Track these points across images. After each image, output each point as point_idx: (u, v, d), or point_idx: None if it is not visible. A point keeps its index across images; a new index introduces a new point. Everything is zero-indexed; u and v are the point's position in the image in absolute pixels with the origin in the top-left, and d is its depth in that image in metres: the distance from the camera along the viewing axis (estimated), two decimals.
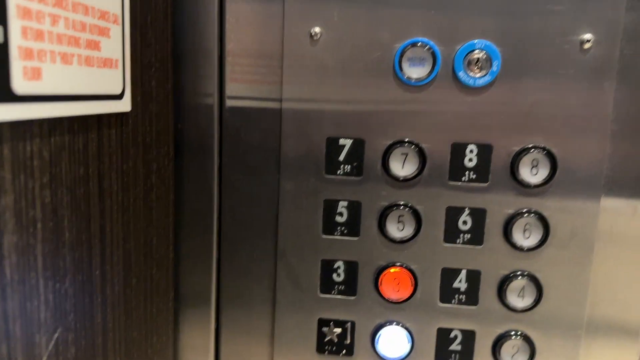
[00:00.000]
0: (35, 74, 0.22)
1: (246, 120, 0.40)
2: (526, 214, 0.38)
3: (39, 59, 0.22)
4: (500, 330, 0.40)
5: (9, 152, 0.21)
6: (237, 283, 0.42)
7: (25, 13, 0.21)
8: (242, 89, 0.39)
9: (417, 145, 0.38)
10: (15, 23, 0.21)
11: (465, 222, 0.39)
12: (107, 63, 0.28)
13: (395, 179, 0.38)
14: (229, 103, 0.40)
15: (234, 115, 0.40)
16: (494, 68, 0.36)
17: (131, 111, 0.31)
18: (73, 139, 0.26)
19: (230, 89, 0.39)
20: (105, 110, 0.28)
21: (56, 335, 0.25)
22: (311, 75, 0.38)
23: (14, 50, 0.21)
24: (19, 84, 0.21)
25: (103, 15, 0.27)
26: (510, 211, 0.38)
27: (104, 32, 0.28)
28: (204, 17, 0.38)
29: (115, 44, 0.29)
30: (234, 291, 0.42)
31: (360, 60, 0.37)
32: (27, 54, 0.22)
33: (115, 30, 0.29)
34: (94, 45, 0.27)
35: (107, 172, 0.29)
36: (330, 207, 0.39)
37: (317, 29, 0.37)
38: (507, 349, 0.40)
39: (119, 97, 0.30)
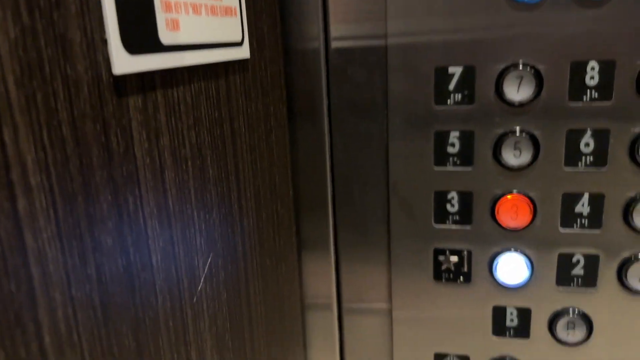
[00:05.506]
0: (175, 25, 0.24)
1: (352, 58, 0.40)
2: None
3: (176, 11, 0.25)
4: (626, 253, 0.39)
5: (162, 97, 0.24)
6: (352, 216, 0.44)
7: None
8: (346, 28, 0.40)
9: (533, 67, 0.36)
10: None
11: (587, 144, 0.37)
12: (227, 11, 0.30)
13: (510, 104, 0.37)
14: (335, 44, 0.40)
15: (339, 55, 0.40)
16: None
17: (250, 58, 0.33)
18: (207, 85, 0.28)
19: (335, 29, 0.40)
20: (230, 57, 0.30)
21: (209, 259, 0.28)
22: (416, 7, 0.37)
23: (158, 4, 0.23)
24: (164, 34, 0.24)
25: None
26: (637, 130, 0.36)
27: None
28: None
29: None
30: (350, 223, 0.44)
31: None
32: (168, 6, 0.24)
33: None
34: None
35: (236, 114, 0.32)
36: (441, 139, 0.40)
37: None
38: (635, 272, 0.38)
39: (240, 44, 0.32)
